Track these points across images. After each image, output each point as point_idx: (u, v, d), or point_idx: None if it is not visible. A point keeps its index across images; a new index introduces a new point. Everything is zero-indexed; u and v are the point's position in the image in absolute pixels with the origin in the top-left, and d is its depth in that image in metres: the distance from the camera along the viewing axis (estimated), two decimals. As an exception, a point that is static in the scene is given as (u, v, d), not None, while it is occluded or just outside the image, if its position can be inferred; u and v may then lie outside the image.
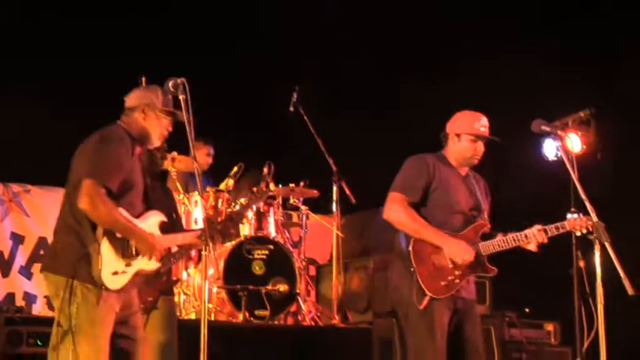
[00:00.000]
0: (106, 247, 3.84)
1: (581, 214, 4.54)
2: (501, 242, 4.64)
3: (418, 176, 4.70)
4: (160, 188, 4.93)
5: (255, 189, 5.78)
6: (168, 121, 4.13)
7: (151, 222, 4.07)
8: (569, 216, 4.59)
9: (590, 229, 4.46)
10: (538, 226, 4.62)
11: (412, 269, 4.54)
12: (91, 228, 3.85)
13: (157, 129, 4.12)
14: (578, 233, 4.57)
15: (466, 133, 4.77)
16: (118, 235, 3.89)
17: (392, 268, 4.78)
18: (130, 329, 4.02)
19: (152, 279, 4.29)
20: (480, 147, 4.78)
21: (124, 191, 3.95)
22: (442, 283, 4.55)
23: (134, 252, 3.92)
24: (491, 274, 4.74)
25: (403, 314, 4.63)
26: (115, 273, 3.87)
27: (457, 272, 4.58)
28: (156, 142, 4.16)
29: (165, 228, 4.15)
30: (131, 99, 4.16)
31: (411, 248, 4.57)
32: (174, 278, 4.26)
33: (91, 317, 3.81)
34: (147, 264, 3.99)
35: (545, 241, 4.62)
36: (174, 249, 4.28)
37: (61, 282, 3.84)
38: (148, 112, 4.10)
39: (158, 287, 4.56)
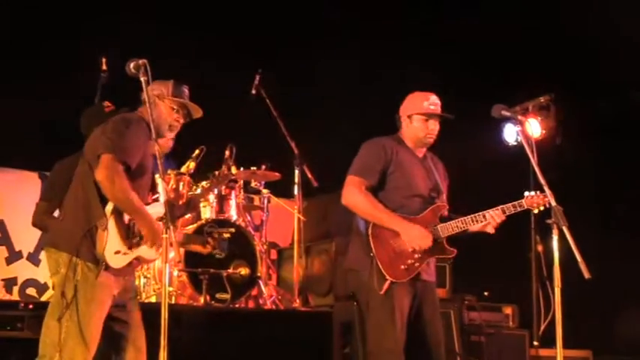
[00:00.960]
0: (112, 226, 3.88)
1: (537, 192, 4.59)
2: (460, 223, 4.66)
3: (376, 159, 4.70)
4: None
5: (216, 172, 5.75)
6: (180, 114, 4.17)
7: (155, 212, 4.06)
8: (526, 194, 4.62)
9: (547, 206, 4.48)
10: (496, 208, 4.65)
11: (372, 254, 4.54)
12: (100, 204, 3.89)
13: (167, 120, 4.16)
14: (536, 211, 4.60)
15: (416, 113, 4.79)
16: (126, 216, 3.93)
17: (349, 251, 4.78)
18: (126, 314, 4.07)
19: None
20: (433, 125, 4.80)
21: (137, 175, 3.99)
22: (402, 267, 4.56)
23: (138, 237, 3.96)
24: (451, 255, 4.76)
25: (364, 299, 4.64)
26: (117, 252, 3.92)
27: (417, 255, 4.59)
28: (166, 133, 4.19)
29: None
30: (147, 91, 4.15)
31: (370, 232, 4.58)
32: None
33: (88, 296, 3.85)
34: (148, 252, 4.03)
35: (504, 218, 4.64)
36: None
37: (63, 258, 3.89)
38: (158, 103, 4.14)
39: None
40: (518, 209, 4.64)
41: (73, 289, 3.84)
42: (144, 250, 4.02)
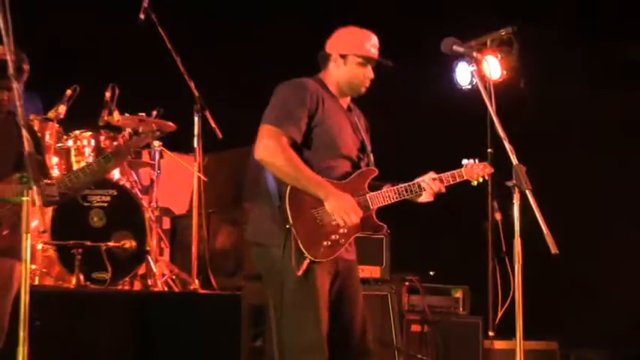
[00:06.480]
0: None
1: (477, 160, 4.73)
2: (392, 194, 4.68)
3: (299, 106, 4.60)
4: None
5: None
6: None
7: None
8: (465, 162, 4.73)
9: (487, 178, 4.70)
10: (432, 174, 4.71)
11: (288, 226, 4.48)
12: None
13: None
14: (475, 183, 4.71)
15: (354, 55, 4.74)
16: None
17: (254, 219, 4.74)
18: None
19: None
20: (370, 72, 4.77)
21: None
22: (324, 244, 4.52)
23: None
24: (381, 231, 4.81)
25: (277, 282, 4.57)
26: None
27: (342, 230, 4.56)
28: None
29: None
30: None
31: (287, 198, 4.50)
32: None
33: None
34: None
35: (443, 190, 4.72)
36: None
37: None
38: None
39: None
40: (458, 180, 4.73)
41: None
42: None
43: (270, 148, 4.51)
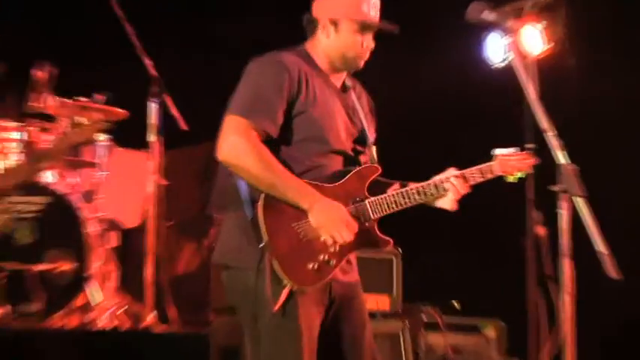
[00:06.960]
0: None
1: (515, 150, 4.66)
2: (400, 199, 4.57)
3: (274, 90, 4.47)
4: None
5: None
6: None
7: None
8: (497, 152, 4.62)
9: (529, 172, 4.62)
10: (452, 171, 4.60)
11: (263, 244, 4.30)
12: None
13: None
14: (511, 179, 4.62)
15: (350, 19, 4.63)
16: None
17: (222, 235, 4.61)
18: None
19: None
20: (369, 41, 4.67)
21: None
22: (310, 266, 4.37)
23: None
24: (385, 247, 4.64)
25: (249, 315, 4.45)
26: None
27: (332, 249, 4.40)
28: None
29: None
30: None
31: (261, 208, 4.34)
32: None
33: None
34: None
35: (468, 189, 4.59)
36: None
37: None
38: None
39: None
40: (488, 177, 4.63)
41: None
42: None
43: (237, 147, 4.43)
